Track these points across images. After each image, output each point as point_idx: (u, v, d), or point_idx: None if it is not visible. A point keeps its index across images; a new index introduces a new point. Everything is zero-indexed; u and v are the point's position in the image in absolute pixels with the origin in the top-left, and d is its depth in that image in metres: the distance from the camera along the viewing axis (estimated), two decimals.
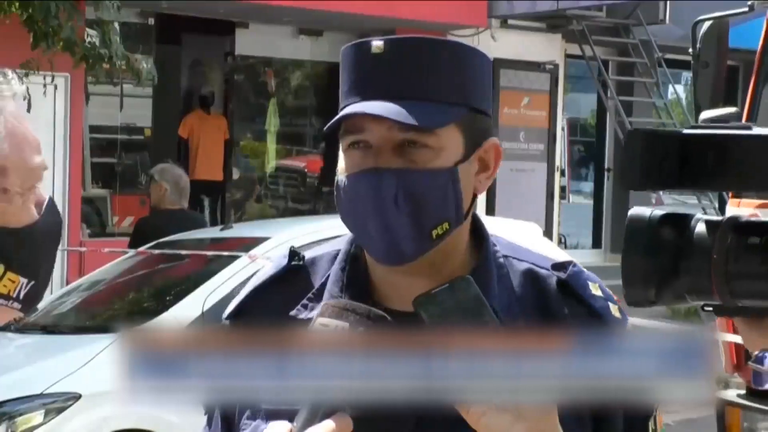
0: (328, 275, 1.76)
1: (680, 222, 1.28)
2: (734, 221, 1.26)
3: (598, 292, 1.71)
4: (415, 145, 1.65)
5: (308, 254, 1.81)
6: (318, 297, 1.73)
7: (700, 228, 1.27)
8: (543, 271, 1.74)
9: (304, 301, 1.72)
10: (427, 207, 1.64)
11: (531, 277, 1.74)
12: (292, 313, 1.69)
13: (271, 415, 1.57)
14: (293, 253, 1.81)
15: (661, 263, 1.26)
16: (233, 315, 1.81)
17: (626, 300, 1.30)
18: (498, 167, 1.74)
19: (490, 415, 1.46)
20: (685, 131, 1.26)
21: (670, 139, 1.25)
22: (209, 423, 1.79)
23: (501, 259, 1.75)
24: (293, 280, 1.78)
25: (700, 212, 1.30)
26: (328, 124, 1.67)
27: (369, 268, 1.74)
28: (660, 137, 1.25)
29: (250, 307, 1.79)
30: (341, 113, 1.66)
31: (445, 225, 1.66)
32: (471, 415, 1.47)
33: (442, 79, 1.67)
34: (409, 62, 1.66)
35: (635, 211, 1.29)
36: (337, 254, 1.78)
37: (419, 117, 1.62)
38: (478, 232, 1.77)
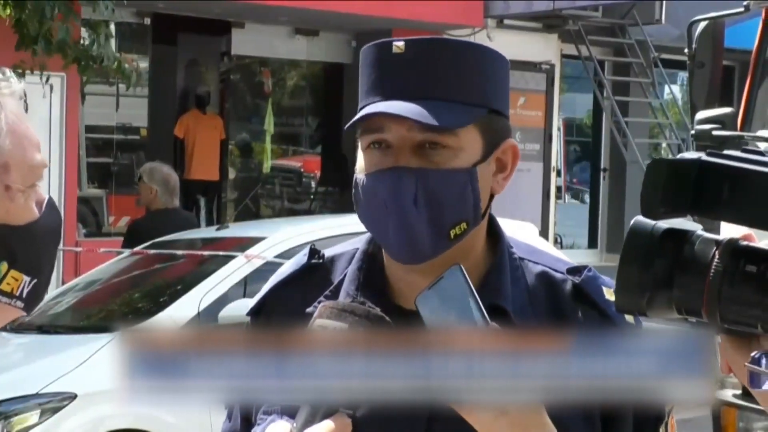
0: (345, 273, 1.77)
1: (681, 237, 1.29)
2: (733, 245, 1.27)
3: (612, 297, 1.70)
4: (435, 146, 1.65)
5: (328, 252, 1.82)
6: (334, 295, 1.73)
7: (700, 246, 1.28)
8: (558, 275, 1.75)
9: (321, 299, 1.72)
10: (445, 207, 1.65)
11: (545, 280, 1.74)
12: (309, 310, 1.70)
13: (286, 410, 1.57)
14: (313, 251, 1.81)
15: (657, 275, 1.27)
16: (254, 312, 1.82)
17: (617, 306, 1.31)
18: (515, 168, 1.75)
19: (478, 409, 1.46)
20: (704, 158, 1.26)
21: (689, 166, 1.25)
22: (229, 417, 1.81)
23: (516, 261, 1.75)
24: (312, 278, 1.79)
25: (701, 229, 1.30)
26: (349, 123, 1.67)
27: (386, 268, 1.75)
28: (680, 165, 1.26)
29: (269, 305, 1.80)
30: (361, 113, 1.67)
31: (463, 225, 1.67)
32: (463, 409, 1.47)
33: (462, 80, 1.68)
34: (429, 62, 1.67)
35: (638, 222, 1.29)
36: (356, 253, 1.78)
37: (439, 117, 1.63)
38: (494, 232, 1.77)
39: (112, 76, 9.95)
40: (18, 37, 8.81)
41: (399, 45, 1.67)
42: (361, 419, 1.48)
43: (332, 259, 1.80)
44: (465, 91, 1.68)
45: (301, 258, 1.82)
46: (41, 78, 9.08)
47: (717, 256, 1.26)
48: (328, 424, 1.44)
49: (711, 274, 1.25)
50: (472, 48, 1.72)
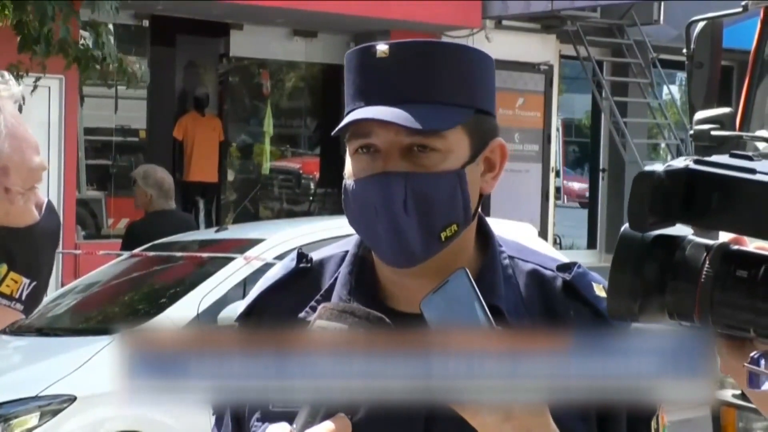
0: (336, 277, 1.77)
1: (672, 242, 1.29)
2: (724, 249, 1.27)
3: (602, 293, 1.72)
4: (423, 149, 1.65)
5: (316, 256, 1.82)
6: (326, 299, 1.73)
7: (690, 251, 1.28)
8: (548, 273, 1.76)
9: (313, 303, 1.72)
10: (435, 209, 1.65)
11: (536, 278, 1.75)
12: (301, 315, 1.70)
13: (281, 418, 1.57)
14: (301, 255, 1.81)
15: (648, 280, 1.27)
16: (243, 317, 1.82)
17: (609, 312, 1.31)
18: (504, 167, 1.75)
19: (482, 412, 1.47)
20: (692, 167, 1.26)
21: (677, 176, 1.25)
22: (218, 424, 1.80)
23: (507, 260, 1.76)
24: (302, 282, 1.79)
25: (691, 233, 1.31)
26: (336, 129, 1.67)
27: (377, 270, 1.75)
28: (668, 174, 1.26)
29: (259, 309, 1.80)
30: (348, 118, 1.67)
31: (454, 227, 1.67)
32: (466, 412, 1.47)
33: (447, 82, 1.68)
34: (414, 66, 1.67)
35: (628, 228, 1.29)
36: (345, 255, 1.79)
37: (425, 120, 1.63)
38: (483, 232, 1.78)
39: (112, 77, 9.95)
40: (19, 39, 8.80)
41: (383, 49, 1.67)
42: (357, 421, 1.48)
43: (321, 263, 1.80)
44: (450, 92, 1.68)
45: (289, 262, 1.82)
46: (38, 80, 9.07)
47: (708, 261, 1.26)
48: (328, 425, 1.44)
49: (702, 279, 1.25)
50: (456, 49, 1.72)
